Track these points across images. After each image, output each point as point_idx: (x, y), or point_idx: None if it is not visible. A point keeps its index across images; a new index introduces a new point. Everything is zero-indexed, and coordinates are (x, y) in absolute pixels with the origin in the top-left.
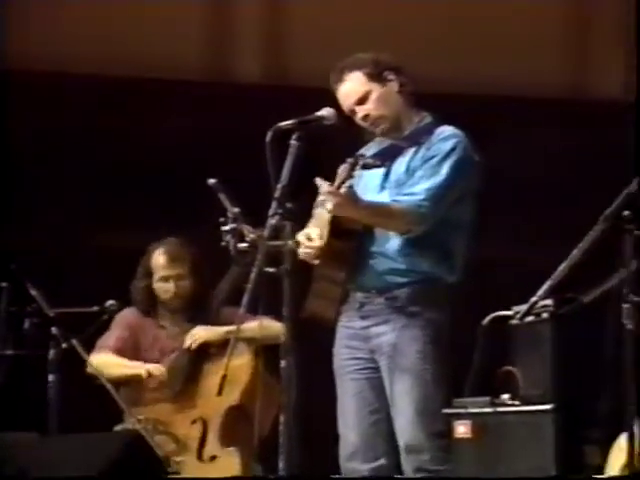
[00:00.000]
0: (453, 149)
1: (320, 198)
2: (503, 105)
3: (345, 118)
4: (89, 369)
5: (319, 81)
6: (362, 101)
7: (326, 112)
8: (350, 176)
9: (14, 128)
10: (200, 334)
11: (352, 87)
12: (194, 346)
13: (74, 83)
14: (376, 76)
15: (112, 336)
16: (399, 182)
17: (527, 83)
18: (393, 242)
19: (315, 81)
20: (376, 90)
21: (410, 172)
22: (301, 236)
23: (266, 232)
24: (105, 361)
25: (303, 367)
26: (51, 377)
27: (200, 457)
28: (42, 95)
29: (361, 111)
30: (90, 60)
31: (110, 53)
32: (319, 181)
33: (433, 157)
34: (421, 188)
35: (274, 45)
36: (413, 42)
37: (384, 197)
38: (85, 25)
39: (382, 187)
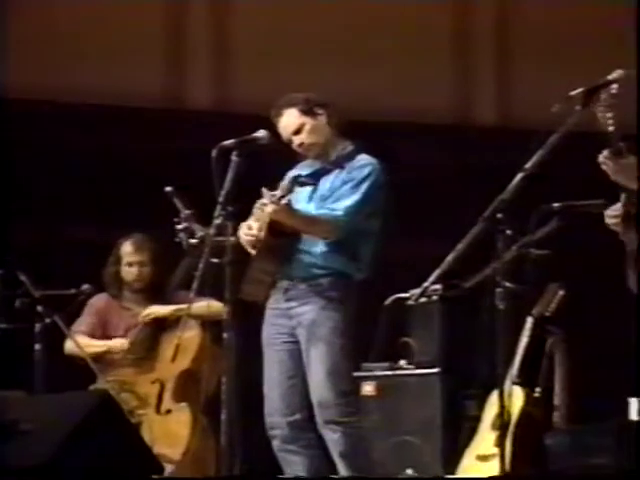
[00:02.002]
0: (369, 175)
1: (262, 201)
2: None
3: (282, 143)
4: (66, 350)
5: (258, 109)
6: (297, 132)
7: (261, 134)
8: (290, 191)
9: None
10: (153, 310)
11: (289, 121)
12: (147, 319)
13: (56, 110)
14: (308, 111)
15: (83, 323)
16: (323, 197)
17: (420, 110)
18: (315, 244)
19: (254, 108)
20: (308, 123)
21: (332, 190)
22: (243, 225)
23: (212, 230)
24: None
25: (241, 339)
26: (37, 346)
27: (158, 411)
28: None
29: (297, 140)
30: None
31: (85, 85)
32: (264, 191)
33: (352, 180)
34: (341, 205)
35: (222, 79)
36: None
37: (311, 207)
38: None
39: (310, 199)
